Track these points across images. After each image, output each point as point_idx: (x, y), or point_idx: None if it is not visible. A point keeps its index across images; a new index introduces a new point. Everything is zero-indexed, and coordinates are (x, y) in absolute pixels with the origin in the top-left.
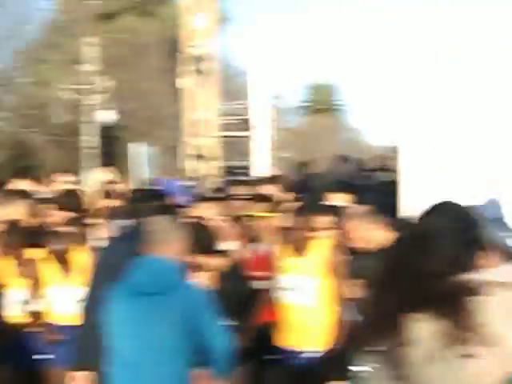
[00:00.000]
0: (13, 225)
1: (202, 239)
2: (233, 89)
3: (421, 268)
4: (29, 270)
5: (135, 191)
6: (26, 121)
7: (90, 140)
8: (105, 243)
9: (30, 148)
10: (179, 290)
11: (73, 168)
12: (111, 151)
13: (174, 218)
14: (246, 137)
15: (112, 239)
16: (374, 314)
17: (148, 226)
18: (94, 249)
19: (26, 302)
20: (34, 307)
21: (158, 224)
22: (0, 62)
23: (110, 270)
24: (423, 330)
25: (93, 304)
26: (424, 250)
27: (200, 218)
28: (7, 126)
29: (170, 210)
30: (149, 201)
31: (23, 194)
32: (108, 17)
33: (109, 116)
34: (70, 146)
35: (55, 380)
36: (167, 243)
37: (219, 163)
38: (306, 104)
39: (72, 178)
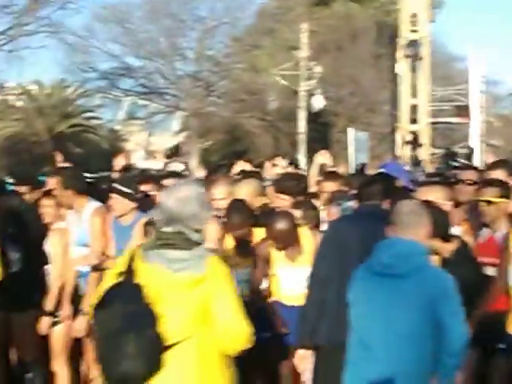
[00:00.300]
0: (237, 204)
1: (439, 223)
2: (444, 74)
3: None
4: (256, 250)
5: (360, 174)
6: (240, 106)
7: (303, 125)
8: (329, 225)
9: (243, 133)
10: (425, 274)
11: (285, 153)
12: (321, 136)
13: (418, 202)
14: (461, 123)
15: (337, 220)
16: None
17: (394, 209)
18: (318, 230)
19: (253, 282)
20: (261, 287)
21: (405, 207)
22: (214, 48)
23: (336, 250)
24: None
25: (317, 284)
26: None
27: (429, 202)
28: (221, 111)
29: (400, 193)
30: (378, 184)
31: (248, 175)
32: (323, 3)
33: (319, 102)
34: (282, 131)
35: (283, 357)
36: (414, 227)
37: (431, 149)
38: None
39: (289, 162)
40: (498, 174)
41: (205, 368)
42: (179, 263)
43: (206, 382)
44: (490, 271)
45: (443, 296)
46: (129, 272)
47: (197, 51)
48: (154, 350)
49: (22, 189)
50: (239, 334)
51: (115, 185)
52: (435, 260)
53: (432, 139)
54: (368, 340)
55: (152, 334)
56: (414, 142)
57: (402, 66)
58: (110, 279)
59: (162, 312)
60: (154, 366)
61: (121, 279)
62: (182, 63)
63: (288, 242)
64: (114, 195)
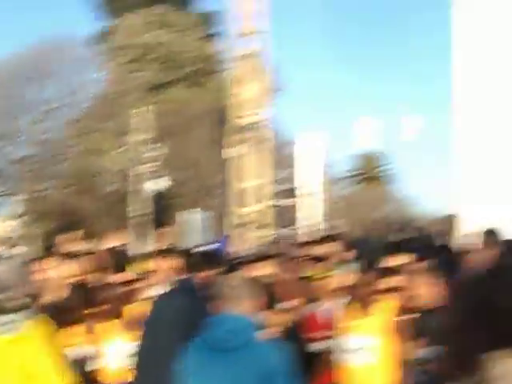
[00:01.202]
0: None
1: (266, 296)
2: (284, 157)
3: (499, 306)
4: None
5: (189, 251)
6: (76, 189)
7: (138, 208)
8: (156, 298)
9: (80, 216)
10: (256, 348)
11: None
12: (163, 218)
13: (244, 276)
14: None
15: (158, 297)
16: (453, 354)
17: (221, 283)
18: (145, 304)
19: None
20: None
21: (231, 281)
22: (51, 131)
23: (163, 324)
24: (502, 368)
25: (144, 359)
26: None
27: (259, 276)
28: (57, 194)
29: (232, 267)
30: (207, 258)
31: (71, 254)
32: (158, 88)
33: (161, 184)
34: (118, 213)
35: None
36: (241, 300)
37: (271, 230)
38: (356, 173)
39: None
40: (323, 249)
41: None
42: (2, 326)
43: None
44: (318, 346)
45: (275, 369)
46: None
47: (29, 134)
48: None
49: None
50: None
51: None
52: (270, 333)
53: (272, 220)
54: None
55: None
56: (246, 225)
57: (232, 151)
58: None
59: None
60: None
61: None
62: (13, 147)
63: (116, 316)
64: None
